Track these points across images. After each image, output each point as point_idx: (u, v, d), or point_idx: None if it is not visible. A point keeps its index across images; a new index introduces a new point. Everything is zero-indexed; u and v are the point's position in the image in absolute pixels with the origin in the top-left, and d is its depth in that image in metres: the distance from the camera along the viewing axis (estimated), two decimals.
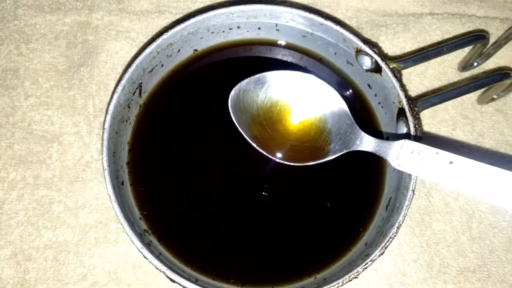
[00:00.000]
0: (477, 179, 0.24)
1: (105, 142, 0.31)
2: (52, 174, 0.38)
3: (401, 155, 0.27)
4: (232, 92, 0.30)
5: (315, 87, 0.30)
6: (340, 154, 0.30)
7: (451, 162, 0.25)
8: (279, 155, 0.31)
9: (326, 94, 0.30)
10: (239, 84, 0.31)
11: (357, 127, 0.30)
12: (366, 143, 0.30)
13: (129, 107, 0.35)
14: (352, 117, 0.30)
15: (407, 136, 0.31)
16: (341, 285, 0.29)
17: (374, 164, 0.35)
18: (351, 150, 0.30)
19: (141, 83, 0.35)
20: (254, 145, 0.31)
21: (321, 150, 0.30)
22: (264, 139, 0.31)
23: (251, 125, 0.31)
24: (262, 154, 0.32)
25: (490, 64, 0.41)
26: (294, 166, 0.35)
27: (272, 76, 0.31)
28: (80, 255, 0.36)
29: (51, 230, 0.36)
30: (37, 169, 0.38)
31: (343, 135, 0.30)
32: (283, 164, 0.35)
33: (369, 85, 0.36)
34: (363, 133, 0.30)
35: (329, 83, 0.38)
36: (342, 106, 0.30)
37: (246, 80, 0.31)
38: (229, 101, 0.30)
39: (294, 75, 0.30)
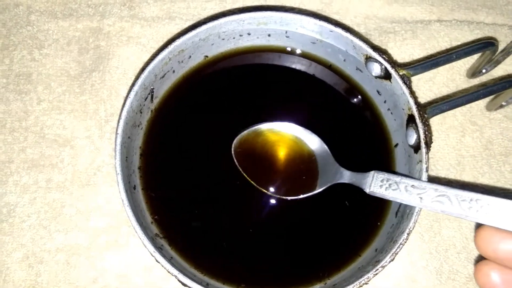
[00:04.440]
0: (433, 198, 0.29)
1: (118, 147, 0.32)
2: (64, 178, 0.38)
3: (373, 184, 0.32)
4: (234, 141, 0.35)
5: (302, 134, 0.36)
6: (325, 187, 0.34)
7: (412, 186, 0.30)
8: (276, 190, 0.35)
9: (311, 139, 0.35)
10: (239, 135, 0.35)
11: (337, 164, 0.34)
12: (345, 176, 0.34)
13: (141, 112, 0.35)
14: (332, 156, 0.35)
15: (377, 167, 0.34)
16: None
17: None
18: (334, 183, 0.34)
19: (153, 88, 0.35)
20: (256, 185, 0.35)
21: (310, 185, 0.35)
22: (263, 179, 0.35)
23: (252, 167, 0.35)
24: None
25: (499, 70, 0.41)
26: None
27: (264, 127, 0.36)
28: (91, 259, 0.36)
29: (62, 233, 0.37)
30: (49, 172, 0.38)
31: (327, 171, 0.35)
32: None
33: (378, 92, 0.37)
34: (342, 169, 0.34)
35: (338, 90, 0.38)
36: (324, 147, 0.35)
37: (245, 131, 0.36)
38: (232, 147, 0.35)
39: (282, 125, 0.36)
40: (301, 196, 0.34)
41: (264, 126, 0.36)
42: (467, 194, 0.28)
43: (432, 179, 0.38)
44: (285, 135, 0.36)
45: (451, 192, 0.28)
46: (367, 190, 0.32)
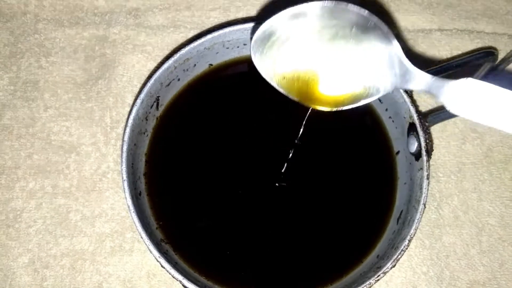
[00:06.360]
0: None
1: (124, 154, 0.32)
2: (69, 184, 0.39)
3: (460, 97, 0.23)
4: (259, 30, 0.26)
5: (357, 19, 0.25)
6: (385, 93, 0.27)
7: None
8: (320, 97, 0.28)
9: (370, 26, 0.25)
10: (269, 20, 0.26)
11: (407, 62, 0.26)
12: (418, 80, 0.25)
13: (146, 119, 0.36)
14: (401, 50, 0.26)
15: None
16: None
17: (386, 178, 0.36)
18: (399, 88, 0.26)
19: (158, 96, 0.36)
20: (283, 92, 0.28)
21: (365, 90, 0.27)
22: (297, 82, 0.28)
23: (281, 68, 0.27)
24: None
25: None
26: (306, 182, 0.35)
27: (310, 9, 0.26)
28: (96, 264, 0.37)
29: (68, 239, 0.37)
30: (55, 178, 0.39)
31: (391, 71, 0.26)
32: (296, 176, 0.36)
33: (380, 100, 0.37)
34: (414, 69, 0.25)
35: None
36: (389, 37, 0.26)
37: (279, 15, 0.26)
38: (253, 41, 0.27)
39: (336, 7, 0.25)
40: (353, 105, 0.27)
41: (306, 7, 0.25)
42: None
43: (433, 186, 0.38)
44: (330, 20, 0.25)
45: None
46: (449, 107, 0.23)
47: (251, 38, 0.28)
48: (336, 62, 0.27)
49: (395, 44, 0.26)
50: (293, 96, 0.28)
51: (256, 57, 0.28)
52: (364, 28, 0.26)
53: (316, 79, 0.28)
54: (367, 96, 0.27)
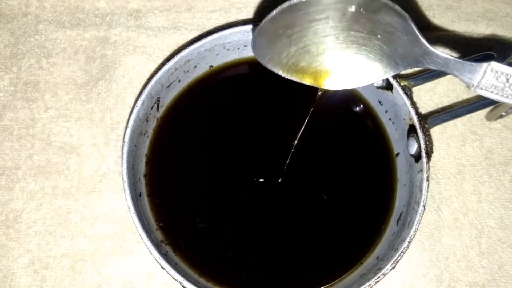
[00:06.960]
0: None
1: (125, 155, 0.32)
2: (70, 185, 0.39)
3: (484, 79, 0.24)
4: (266, 18, 0.25)
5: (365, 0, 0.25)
6: (398, 72, 0.27)
7: None
8: (326, 80, 0.28)
9: (380, 5, 0.24)
10: (272, 12, 0.26)
11: (424, 40, 0.25)
12: (436, 60, 0.25)
13: (147, 120, 0.36)
14: (415, 27, 0.25)
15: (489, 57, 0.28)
16: None
17: (386, 179, 0.36)
18: (414, 67, 0.26)
19: (159, 98, 0.36)
20: (293, 78, 0.28)
21: (376, 68, 0.27)
22: (306, 68, 0.27)
23: (288, 56, 0.27)
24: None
25: None
26: (307, 183, 0.35)
27: None
28: (96, 265, 0.37)
29: (68, 239, 0.37)
30: (56, 179, 0.39)
31: (405, 49, 0.26)
32: (296, 178, 0.36)
33: (380, 102, 0.37)
34: (431, 48, 0.25)
35: (340, 99, 0.39)
36: (404, 17, 0.25)
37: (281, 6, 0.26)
38: (259, 28, 0.26)
39: None
40: (364, 83, 0.27)
41: None
42: None
43: (433, 188, 0.39)
44: (336, 3, 0.24)
45: None
46: (473, 87, 0.24)
47: (254, 30, 0.27)
48: (346, 41, 0.27)
49: (411, 23, 0.25)
50: (302, 81, 0.28)
51: (260, 45, 0.27)
52: (374, 7, 0.25)
53: (327, 61, 0.27)
54: (380, 75, 0.28)
